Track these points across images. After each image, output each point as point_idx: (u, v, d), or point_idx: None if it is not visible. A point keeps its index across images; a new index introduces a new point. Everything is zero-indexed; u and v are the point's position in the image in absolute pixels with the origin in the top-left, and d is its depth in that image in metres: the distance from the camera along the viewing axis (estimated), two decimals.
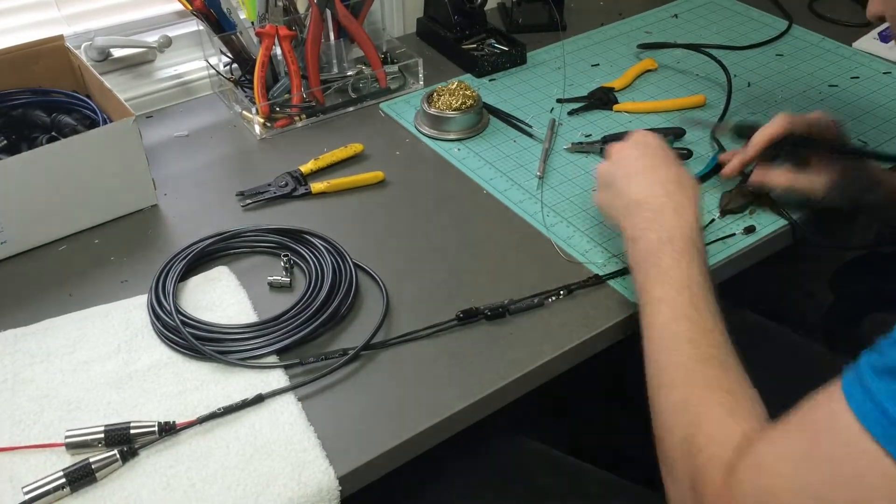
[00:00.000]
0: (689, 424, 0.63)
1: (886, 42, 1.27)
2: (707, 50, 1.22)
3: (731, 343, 0.68)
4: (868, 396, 0.51)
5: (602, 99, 1.14)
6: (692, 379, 0.66)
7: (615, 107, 1.14)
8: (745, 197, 0.94)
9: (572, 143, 1.05)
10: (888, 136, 1.07)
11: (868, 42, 1.27)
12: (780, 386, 0.67)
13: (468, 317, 0.80)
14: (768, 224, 0.93)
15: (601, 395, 1.10)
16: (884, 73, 1.21)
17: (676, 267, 0.72)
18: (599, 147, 1.04)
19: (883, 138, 1.06)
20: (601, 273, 0.86)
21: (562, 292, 0.83)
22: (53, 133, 0.97)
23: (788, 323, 1.05)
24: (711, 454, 0.60)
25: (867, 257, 1.18)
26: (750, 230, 0.91)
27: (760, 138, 0.90)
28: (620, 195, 0.81)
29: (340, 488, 0.67)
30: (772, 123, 0.90)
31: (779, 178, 0.90)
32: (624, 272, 0.86)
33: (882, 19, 0.73)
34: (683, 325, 0.69)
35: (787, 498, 0.54)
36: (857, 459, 0.50)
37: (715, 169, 0.99)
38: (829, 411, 0.53)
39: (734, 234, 0.91)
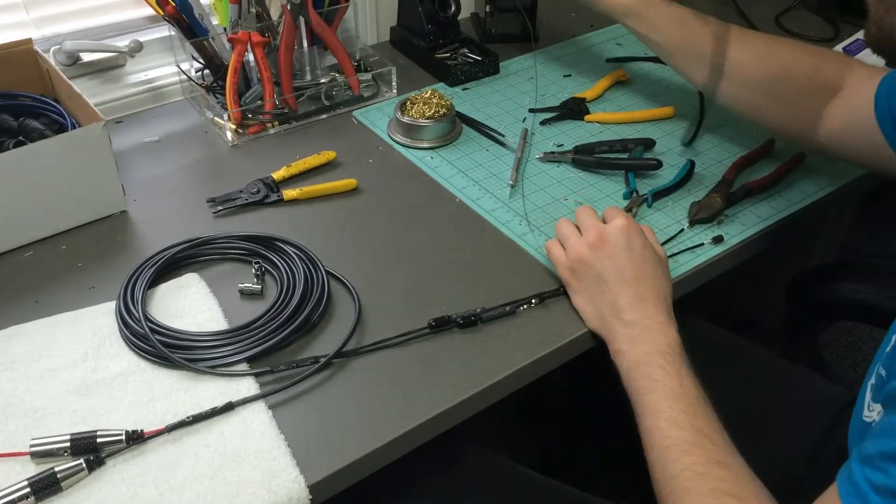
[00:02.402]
0: None
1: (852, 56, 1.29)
2: None
3: (732, 444, 0.69)
4: None
5: (574, 109, 1.16)
6: (702, 485, 0.65)
7: (587, 117, 1.15)
8: (714, 207, 0.96)
9: (544, 153, 1.06)
10: None
11: None
12: (740, 397, 0.68)
13: (440, 325, 0.80)
14: (736, 234, 0.94)
15: (574, 411, 1.10)
16: None
17: (667, 377, 0.72)
18: (571, 157, 1.04)
19: None
20: None
21: (533, 300, 0.84)
22: (21, 137, 0.95)
23: (746, 333, 1.06)
24: None
25: (826, 266, 1.20)
26: (718, 240, 0.93)
27: None
28: (605, 301, 0.80)
29: (311, 497, 0.66)
30: None
31: None
32: None
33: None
34: (684, 432, 0.69)
35: None
36: None
37: (685, 177, 1.01)
38: None
39: (703, 244, 0.92)
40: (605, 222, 0.84)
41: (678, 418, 0.69)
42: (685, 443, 0.68)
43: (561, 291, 0.85)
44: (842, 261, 1.48)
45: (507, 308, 0.82)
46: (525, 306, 0.83)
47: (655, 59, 1.27)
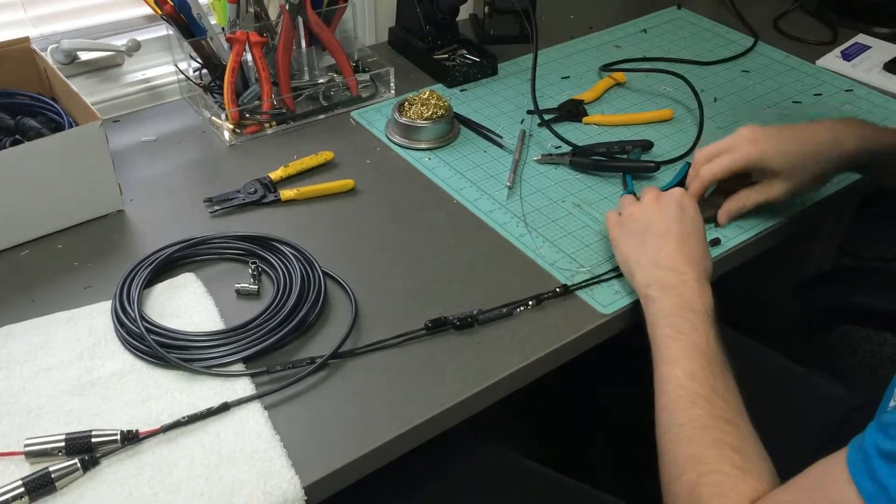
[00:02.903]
0: (700, 477, 0.64)
1: (849, 60, 1.30)
2: (671, 67, 1.24)
3: (744, 407, 0.69)
4: (880, 489, 0.50)
5: (572, 111, 1.15)
6: (706, 435, 0.66)
7: (584, 119, 1.15)
8: (717, 205, 0.96)
9: (542, 155, 1.06)
10: None
11: (831, 60, 1.30)
12: (747, 397, 0.68)
13: (436, 326, 0.80)
14: (734, 237, 0.94)
15: (576, 405, 1.10)
16: (846, 90, 1.23)
17: (694, 332, 0.74)
18: (569, 159, 1.04)
19: None
20: (569, 283, 0.86)
21: (530, 302, 0.83)
22: (17, 136, 0.95)
23: (752, 334, 1.06)
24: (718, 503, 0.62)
25: (831, 271, 1.20)
26: (715, 242, 0.92)
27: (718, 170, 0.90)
28: (647, 250, 0.82)
29: (306, 498, 0.66)
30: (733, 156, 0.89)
31: (741, 202, 0.93)
32: (591, 283, 0.86)
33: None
34: (698, 386, 0.70)
35: None
36: None
37: (683, 180, 1.01)
38: (837, 492, 0.53)
39: None
40: None
41: (696, 372, 0.70)
42: (697, 395, 0.69)
43: (559, 292, 0.85)
44: (843, 264, 1.48)
45: (504, 310, 0.82)
46: (521, 308, 0.83)
47: (649, 70, 1.28)
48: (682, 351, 0.72)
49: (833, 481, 0.54)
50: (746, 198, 0.92)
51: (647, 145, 1.07)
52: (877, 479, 0.51)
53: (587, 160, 1.04)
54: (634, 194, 0.94)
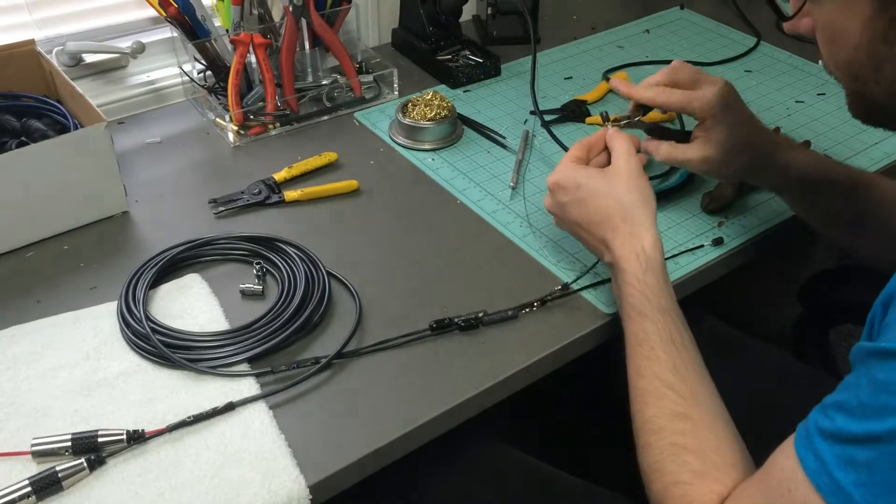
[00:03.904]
0: (665, 489, 0.66)
1: None
2: None
3: (704, 390, 0.70)
4: (820, 464, 0.53)
5: (575, 112, 1.16)
6: (660, 441, 0.68)
7: (587, 119, 1.15)
8: (725, 197, 0.97)
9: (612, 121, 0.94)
10: (853, 151, 1.09)
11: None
12: (750, 395, 0.68)
13: (441, 327, 0.80)
14: (737, 236, 0.94)
15: (579, 401, 1.10)
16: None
17: (630, 321, 0.75)
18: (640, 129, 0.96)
19: (847, 154, 1.08)
20: (573, 284, 0.86)
21: (535, 304, 0.83)
22: (23, 138, 0.96)
23: (757, 333, 1.06)
24: None
25: (835, 270, 1.20)
26: (718, 242, 0.93)
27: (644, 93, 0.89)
28: (584, 239, 0.83)
29: (311, 497, 0.66)
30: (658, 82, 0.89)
31: (658, 150, 0.89)
32: (596, 284, 0.87)
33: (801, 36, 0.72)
34: (646, 382, 0.71)
35: None
36: None
37: (687, 180, 1.01)
38: (787, 470, 0.56)
39: (703, 246, 0.92)
40: None
41: (641, 367, 0.71)
42: (647, 393, 0.70)
43: (562, 293, 0.85)
44: (846, 264, 1.47)
45: (510, 312, 0.82)
46: (527, 310, 0.83)
47: (653, 63, 1.28)
48: (629, 346, 0.74)
49: (784, 460, 0.56)
50: (673, 150, 0.88)
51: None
52: (818, 455, 0.54)
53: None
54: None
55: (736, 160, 0.87)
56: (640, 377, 0.71)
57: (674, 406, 0.68)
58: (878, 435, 0.50)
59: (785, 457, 0.57)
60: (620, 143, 0.82)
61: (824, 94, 1.22)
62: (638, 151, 0.84)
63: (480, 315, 0.81)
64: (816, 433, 0.55)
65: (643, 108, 0.91)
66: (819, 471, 0.53)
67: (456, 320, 0.80)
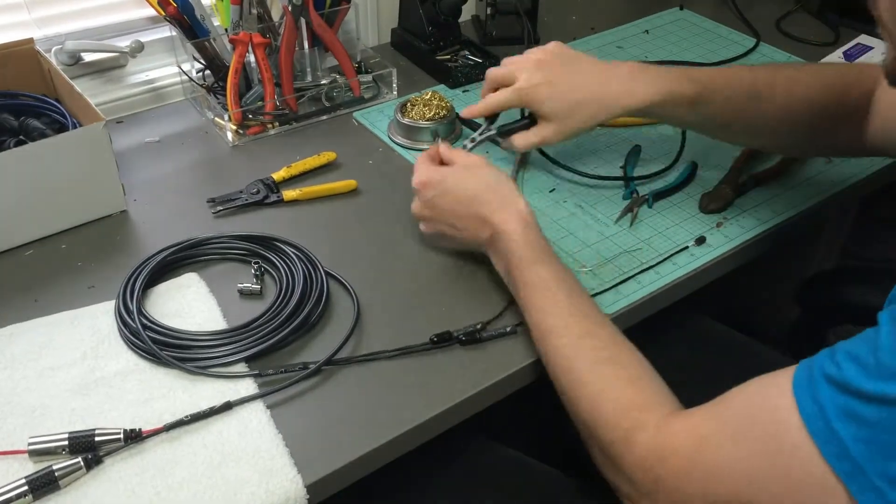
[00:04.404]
0: (593, 397, 0.67)
1: (851, 61, 1.30)
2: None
3: (617, 333, 0.72)
4: (818, 409, 0.52)
5: None
6: (580, 357, 0.70)
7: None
8: (724, 197, 0.97)
9: (469, 140, 1.00)
10: None
11: (833, 60, 1.30)
12: None
13: (442, 341, 0.79)
14: (736, 236, 0.94)
15: None
16: None
17: (516, 271, 0.78)
18: (497, 131, 0.99)
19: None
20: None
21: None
22: (21, 137, 0.96)
23: (755, 334, 1.06)
24: (638, 437, 0.63)
25: (833, 271, 1.20)
26: (700, 241, 0.92)
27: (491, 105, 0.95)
28: (451, 237, 0.87)
29: (308, 496, 0.66)
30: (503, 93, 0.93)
31: (512, 144, 0.95)
32: (597, 288, 0.87)
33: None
34: (551, 319, 0.74)
35: (719, 463, 0.57)
36: (793, 457, 0.53)
37: (687, 179, 1.01)
38: (776, 406, 0.55)
39: (687, 248, 0.92)
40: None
41: (543, 307, 0.75)
42: (556, 327, 0.73)
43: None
44: (846, 264, 1.47)
45: (508, 328, 0.81)
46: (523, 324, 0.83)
47: (652, 63, 1.27)
48: (528, 291, 0.76)
49: (775, 394, 0.55)
50: (524, 139, 0.93)
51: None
52: (817, 399, 0.53)
53: (512, 125, 0.98)
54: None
55: (577, 118, 0.90)
56: (545, 314, 0.74)
57: (583, 328, 0.71)
58: (893, 399, 0.49)
59: (778, 392, 0.55)
60: (456, 151, 0.89)
61: None
62: None
63: (479, 328, 0.80)
64: (821, 377, 0.53)
65: (490, 119, 0.97)
66: (816, 416, 0.52)
67: (456, 335, 0.80)
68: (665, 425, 0.62)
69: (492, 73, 0.95)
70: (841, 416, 0.51)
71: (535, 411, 1.09)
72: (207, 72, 1.15)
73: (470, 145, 0.97)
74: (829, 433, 0.51)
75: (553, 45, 0.93)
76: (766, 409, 0.56)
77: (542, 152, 1.05)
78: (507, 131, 0.97)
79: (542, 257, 0.78)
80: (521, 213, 0.80)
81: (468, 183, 0.84)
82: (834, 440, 0.51)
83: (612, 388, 0.67)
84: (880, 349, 0.51)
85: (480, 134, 0.98)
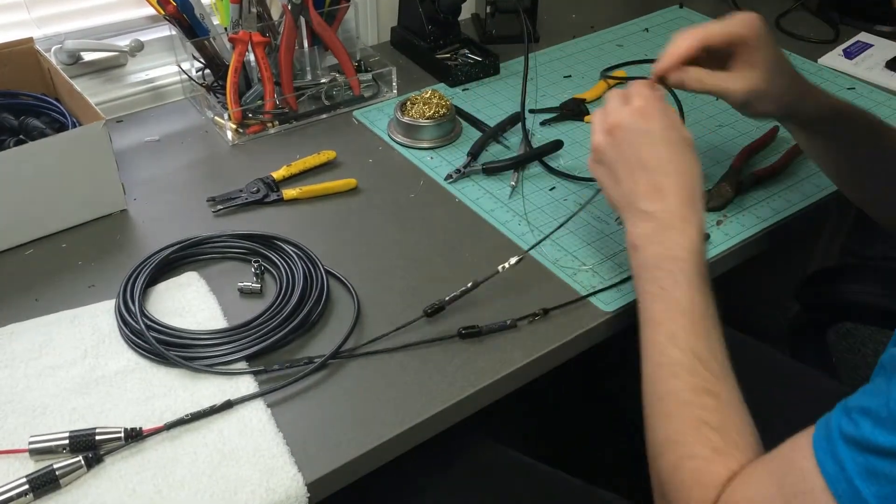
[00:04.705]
0: (680, 461, 0.64)
1: (851, 59, 1.30)
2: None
3: (729, 369, 0.67)
4: (840, 470, 0.52)
5: (574, 110, 1.16)
6: (684, 413, 0.65)
7: (586, 118, 1.15)
8: (724, 195, 0.97)
9: (453, 172, 1.03)
10: None
11: (833, 58, 1.30)
12: (747, 395, 0.68)
13: (435, 311, 0.80)
14: (736, 234, 0.94)
15: (579, 402, 1.10)
16: (848, 88, 1.23)
17: (676, 287, 0.69)
18: (481, 167, 1.03)
19: None
20: (574, 284, 0.86)
21: (537, 315, 0.82)
22: (21, 136, 0.96)
23: (754, 333, 1.06)
24: (696, 493, 0.62)
25: (833, 268, 1.20)
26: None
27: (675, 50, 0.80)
28: (623, 189, 0.76)
29: (309, 495, 0.66)
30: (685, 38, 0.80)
31: (690, 77, 0.81)
32: (598, 286, 0.87)
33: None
34: (680, 352, 0.67)
35: None
36: None
37: None
38: (802, 469, 0.54)
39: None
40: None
41: (677, 336, 0.67)
42: (678, 365, 0.66)
43: (571, 301, 0.85)
44: (846, 262, 1.47)
45: (508, 321, 0.81)
46: (529, 320, 0.82)
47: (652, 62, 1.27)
48: (664, 311, 0.69)
49: (800, 458, 0.55)
50: (712, 77, 0.80)
51: (557, 144, 1.06)
52: (839, 460, 0.52)
53: (498, 163, 1.03)
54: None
55: (777, 84, 0.81)
56: (674, 346, 0.67)
57: (704, 382, 0.65)
58: None
59: (802, 456, 0.55)
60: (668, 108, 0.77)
61: None
62: None
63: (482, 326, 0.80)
64: (839, 437, 0.53)
65: (474, 154, 0.99)
66: (838, 477, 0.52)
67: (459, 330, 0.79)
68: (726, 493, 0.61)
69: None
70: (863, 474, 0.50)
71: (536, 411, 1.09)
72: (207, 71, 1.15)
73: (455, 176, 1.02)
74: (853, 493, 0.51)
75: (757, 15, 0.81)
76: (793, 472, 0.55)
77: (543, 164, 1.05)
78: (491, 167, 1.02)
79: (699, 281, 0.70)
80: (701, 225, 0.72)
81: (666, 153, 0.74)
82: (857, 500, 0.50)
83: (701, 456, 0.63)
84: (892, 401, 0.50)
85: (465, 167, 1.02)
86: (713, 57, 0.80)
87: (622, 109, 0.77)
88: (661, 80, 0.81)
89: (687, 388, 0.65)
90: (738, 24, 0.79)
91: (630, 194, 0.75)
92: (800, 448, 0.56)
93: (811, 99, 0.85)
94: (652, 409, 0.67)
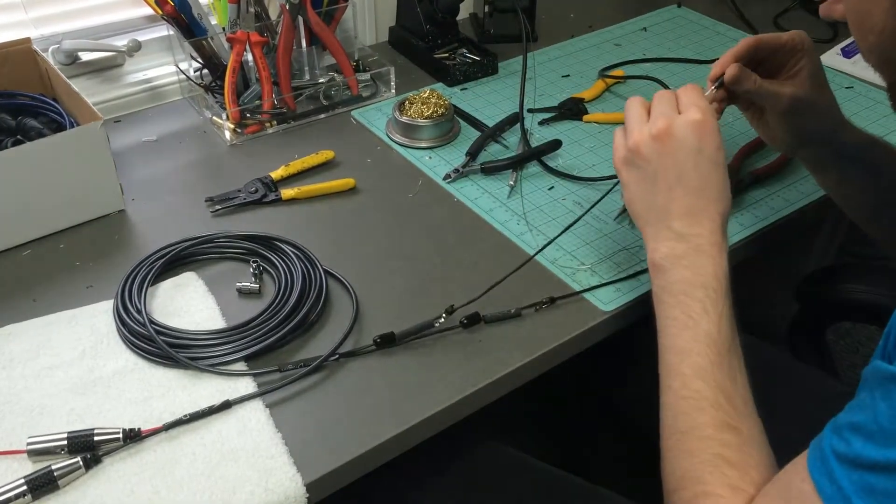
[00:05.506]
0: (696, 498, 0.63)
1: (849, 57, 1.30)
2: (671, 66, 1.24)
3: (752, 403, 0.66)
4: (837, 490, 0.51)
5: (572, 109, 1.16)
6: (706, 450, 0.64)
7: (585, 117, 1.15)
8: None
9: (452, 172, 1.03)
10: None
11: (831, 57, 1.30)
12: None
13: (442, 330, 0.80)
14: (734, 234, 0.94)
15: (578, 401, 1.10)
16: (846, 87, 1.23)
17: (705, 316, 0.67)
18: (480, 167, 1.03)
19: None
20: (573, 283, 0.86)
21: (545, 304, 0.82)
22: (19, 136, 0.95)
23: (753, 331, 1.07)
24: None
25: (831, 267, 1.20)
26: None
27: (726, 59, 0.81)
28: (656, 202, 0.73)
29: (308, 495, 0.66)
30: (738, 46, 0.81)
31: (750, 78, 0.80)
32: (594, 284, 0.87)
33: (834, 22, 0.72)
34: (705, 386, 0.65)
35: None
36: None
37: None
38: (800, 491, 0.54)
39: None
40: (679, 112, 0.74)
41: (704, 368, 0.65)
42: (703, 399, 0.65)
43: (568, 294, 0.85)
44: (844, 262, 1.47)
45: (512, 311, 0.81)
46: (535, 308, 0.82)
47: (650, 61, 1.28)
48: (692, 341, 0.67)
49: (799, 481, 0.55)
50: (771, 83, 0.81)
51: (555, 144, 1.06)
52: (834, 480, 0.52)
53: (496, 163, 1.03)
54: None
55: (824, 98, 0.82)
56: (700, 379, 0.65)
57: (728, 418, 0.64)
58: None
59: (800, 479, 0.55)
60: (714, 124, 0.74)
61: None
62: None
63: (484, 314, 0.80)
64: (832, 456, 0.53)
65: (473, 154, 0.99)
66: (836, 497, 0.51)
67: (462, 320, 0.79)
68: None
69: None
70: (859, 492, 0.50)
71: (536, 410, 1.09)
72: (205, 71, 1.15)
73: (454, 175, 1.02)
74: None
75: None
76: (795, 496, 0.55)
77: (542, 163, 1.05)
78: (490, 167, 1.02)
79: (727, 312, 0.68)
80: (727, 251, 0.71)
81: (711, 176, 0.71)
82: None
83: (718, 494, 0.62)
84: (879, 414, 0.50)
85: (463, 167, 1.02)
86: (763, 67, 0.82)
87: (676, 118, 0.73)
88: (719, 83, 0.81)
89: (710, 424, 0.64)
90: (789, 34, 0.81)
91: (662, 210, 0.72)
92: (797, 472, 0.56)
93: (848, 125, 0.86)
94: (672, 443, 0.66)
